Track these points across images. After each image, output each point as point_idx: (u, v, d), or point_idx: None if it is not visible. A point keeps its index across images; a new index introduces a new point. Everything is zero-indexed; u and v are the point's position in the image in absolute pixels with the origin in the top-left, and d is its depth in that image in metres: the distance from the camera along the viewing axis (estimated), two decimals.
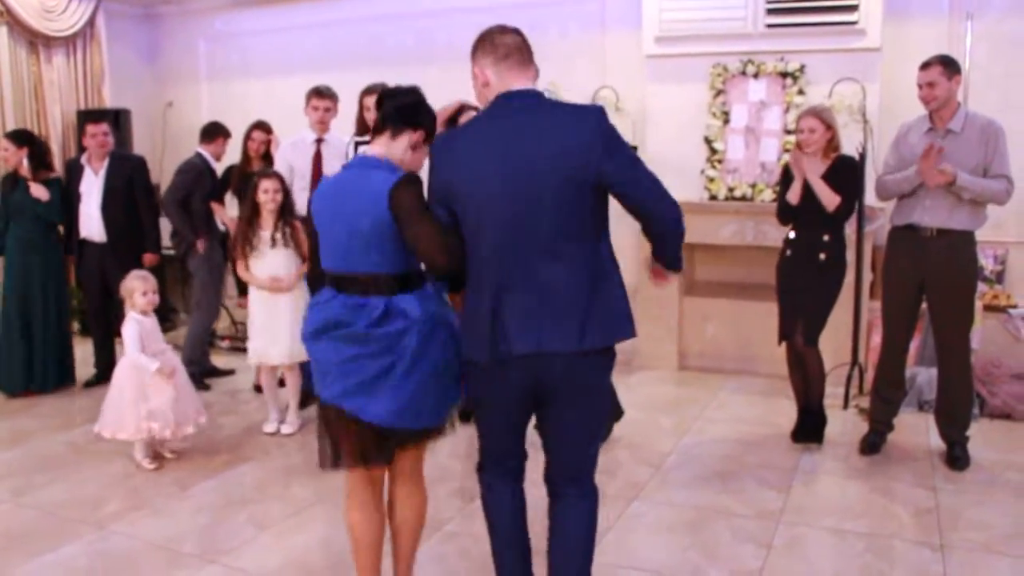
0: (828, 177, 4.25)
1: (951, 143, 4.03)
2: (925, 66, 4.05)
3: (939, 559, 3.24)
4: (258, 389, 5.46)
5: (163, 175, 7.74)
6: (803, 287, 4.36)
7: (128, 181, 5.64)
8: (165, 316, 7.55)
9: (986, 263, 5.59)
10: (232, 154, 6.09)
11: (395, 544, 2.78)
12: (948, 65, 4.02)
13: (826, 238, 4.31)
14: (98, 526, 3.58)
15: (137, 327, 4.22)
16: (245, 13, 7.77)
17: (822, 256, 4.32)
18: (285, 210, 4.69)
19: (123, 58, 7.97)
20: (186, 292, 7.85)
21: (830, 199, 4.22)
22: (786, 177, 4.49)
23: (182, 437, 4.36)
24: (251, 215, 4.66)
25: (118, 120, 7.17)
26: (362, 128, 4.83)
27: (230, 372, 6.00)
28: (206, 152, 5.91)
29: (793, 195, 4.34)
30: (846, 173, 4.31)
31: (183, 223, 5.69)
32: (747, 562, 3.23)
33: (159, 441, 4.34)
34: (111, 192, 5.58)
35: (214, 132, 5.99)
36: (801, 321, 4.39)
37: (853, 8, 5.46)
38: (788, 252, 4.45)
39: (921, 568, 3.18)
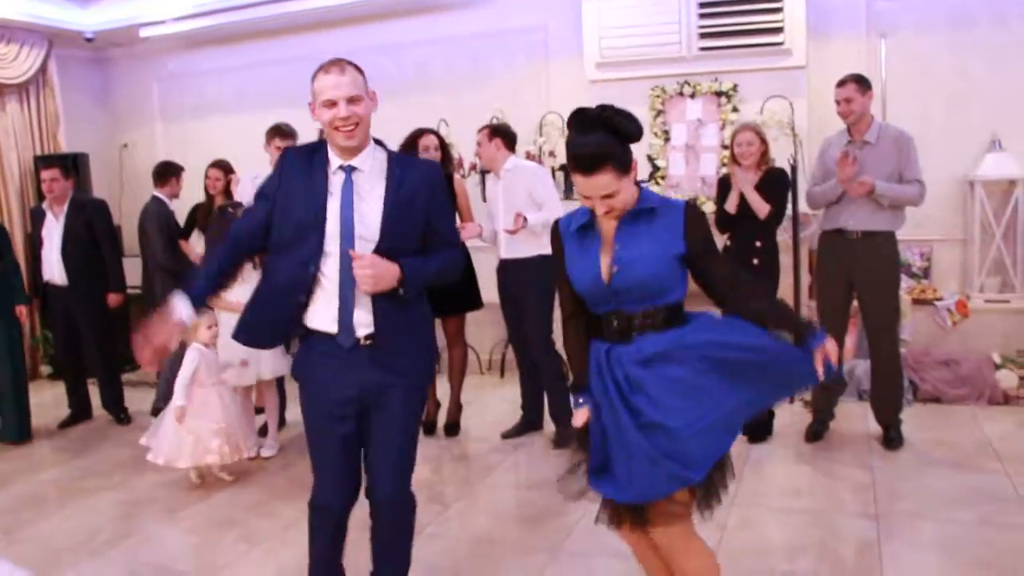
0: (760, 187, 4.63)
1: (868, 153, 4.43)
2: (841, 84, 4.47)
3: (874, 527, 3.59)
4: None
5: (122, 217, 7.88)
6: None
7: (88, 224, 5.77)
8: (128, 357, 7.67)
9: (913, 260, 6.02)
10: (190, 191, 6.29)
11: None
12: (861, 82, 4.43)
13: (758, 244, 4.68)
14: (94, 554, 3.74)
15: (198, 357, 4.46)
16: (197, 53, 7.97)
17: (755, 261, 4.67)
18: None
19: (77, 102, 8.12)
20: None
21: (760, 207, 4.59)
22: (723, 188, 4.85)
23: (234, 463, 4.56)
24: None
25: (76, 164, 7.32)
26: None
27: None
28: (161, 194, 6.10)
29: (731, 205, 4.71)
30: (776, 183, 4.69)
31: (186, 266, 5.86)
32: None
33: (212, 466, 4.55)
34: (71, 235, 5.71)
35: (166, 173, 6.17)
36: None
37: (779, 30, 5.86)
38: None
39: (859, 536, 3.53)
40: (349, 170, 2.63)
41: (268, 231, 2.68)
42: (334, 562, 2.87)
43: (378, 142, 2.73)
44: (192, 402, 4.43)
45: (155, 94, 8.32)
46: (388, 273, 2.57)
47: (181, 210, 6.25)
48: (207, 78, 8.03)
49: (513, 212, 4.72)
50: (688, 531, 2.46)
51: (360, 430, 2.68)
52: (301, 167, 2.67)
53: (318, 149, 2.69)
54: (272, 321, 2.73)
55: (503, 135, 4.99)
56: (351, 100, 2.57)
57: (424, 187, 2.71)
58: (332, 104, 2.57)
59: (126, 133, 8.44)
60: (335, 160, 2.64)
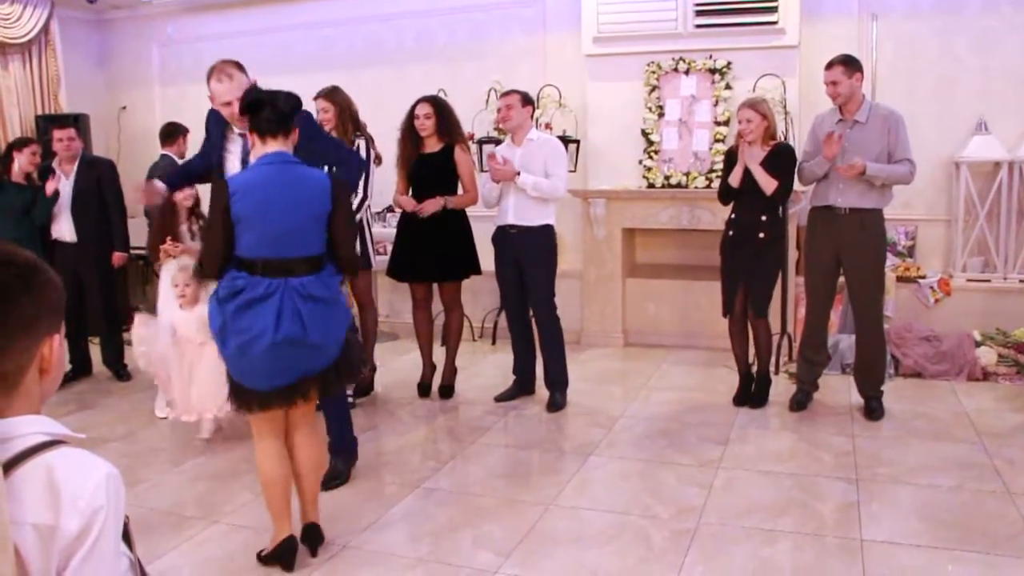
0: (767, 163, 4.71)
1: (858, 132, 4.56)
2: (829, 66, 4.58)
3: (854, 490, 3.75)
4: None
5: (120, 178, 7.94)
6: (746, 264, 4.83)
7: (97, 184, 5.88)
8: (127, 315, 7.78)
9: (898, 239, 6.17)
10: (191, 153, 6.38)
11: (300, 484, 3.26)
12: (848, 64, 4.53)
13: (764, 218, 4.79)
14: None
15: (169, 328, 4.55)
16: (197, 18, 8.03)
17: (761, 235, 4.80)
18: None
19: (77, 63, 8.16)
20: (148, 291, 8.10)
21: (768, 183, 4.69)
22: (729, 162, 4.94)
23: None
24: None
25: (77, 124, 7.38)
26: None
27: None
28: (171, 153, 6.20)
29: (734, 179, 4.79)
30: (783, 159, 4.75)
31: None
32: (691, 500, 3.69)
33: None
34: (81, 194, 5.82)
35: (174, 133, 6.27)
36: (750, 296, 4.87)
37: (773, 10, 5.98)
38: (730, 232, 4.92)
39: (839, 497, 3.69)
40: (244, 135, 3.56)
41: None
42: None
43: None
44: (184, 360, 4.48)
45: (154, 58, 8.37)
46: None
47: None
48: (206, 44, 8.03)
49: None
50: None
51: None
52: (218, 126, 3.82)
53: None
54: None
55: (532, 104, 5.13)
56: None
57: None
58: (228, 104, 3.59)
59: (125, 95, 8.49)
60: (235, 128, 3.73)
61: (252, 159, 3.19)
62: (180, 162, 6.21)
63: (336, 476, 3.91)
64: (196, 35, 8.08)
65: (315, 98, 5.18)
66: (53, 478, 1.23)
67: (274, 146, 3.05)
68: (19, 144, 5.94)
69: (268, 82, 5.93)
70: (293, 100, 3.09)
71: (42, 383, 1.32)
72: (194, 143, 6.37)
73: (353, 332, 3.28)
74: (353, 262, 3.26)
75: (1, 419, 1.25)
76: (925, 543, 3.23)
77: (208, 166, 3.95)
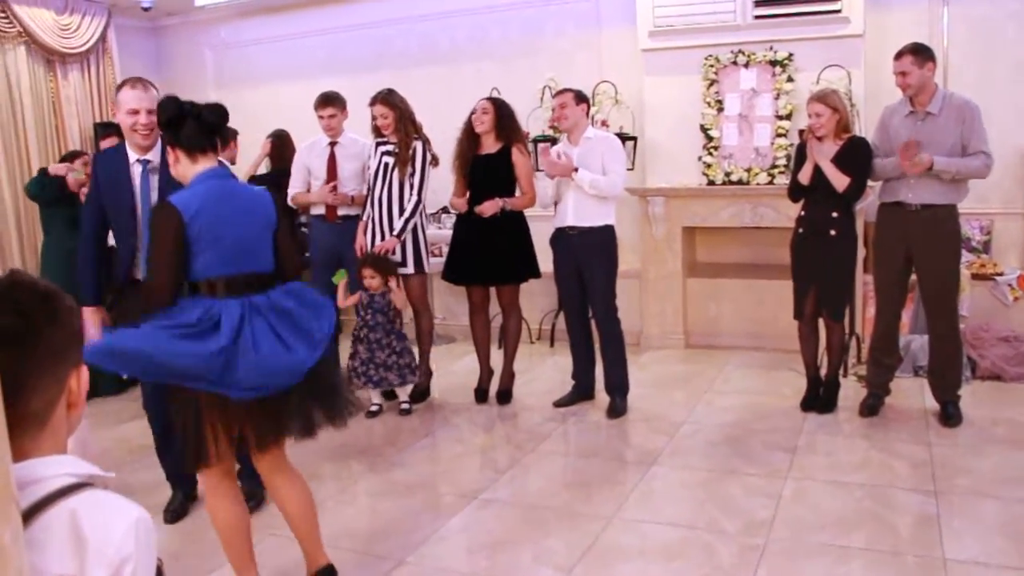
0: (840, 157, 4.50)
1: (930, 124, 4.33)
2: (898, 56, 4.35)
3: (933, 503, 3.55)
4: None
5: None
6: (818, 265, 4.63)
7: None
8: None
9: (973, 234, 5.90)
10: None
11: (296, 530, 3.03)
12: (918, 53, 4.30)
13: (835, 215, 4.58)
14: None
15: None
16: (250, 22, 8.03)
17: (832, 232, 4.60)
18: None
19: (133, 70, 8.16)
20: None
21: (840, 181, 4.48)
22: (800, 156, 4.75)
23: None
24: None
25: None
26: (377, 133, 5.18)
27: None
28: (223, 158, 6.19)
29: (804, 176, 4.60)
30: (857, 154, 4.52)
31: None
32: (759, 513, 3.54)
33: None
34: None
35: (225, 137, 6.27)
36: (824, 299, 4.68)
37: None
38: (800, 230, 4.72)
39: (916, 510, 3.50)
40: (144, 163, 3.54)
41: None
42: None
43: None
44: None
45: (208, 62, 8.39)
46: None
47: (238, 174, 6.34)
48: (259, 47, 8.08)
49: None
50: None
51: None
52: (110, 166, 3.58)
53: (119, 149, 3.60)
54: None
55: (587, 101, 5.01)
56: (149, 111, 3.43)
57: None
58: (135, 112, 3.45)
59: None
60: (132, 155, 3.54)
61: (183, 179, 2.86)
62: (231, 167, 6.20)
63: (252, 497, 3.66)
64: (248, 39, 8.10)
65: (370, 104, 5.12)
66: (78, 525, 1.14)
67: (204, 163, 2.83)
68: (70, 157, 6.15)
69: (321, 84, 5.98)
70: (219, 111, 2.89)
71: (68, 418, 1.26)
72: (244, 146, 6.41)
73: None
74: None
75: (26, 460, 1.17)
76: (1015, 564, 3.03)
77: (101, 209, 3.60)
